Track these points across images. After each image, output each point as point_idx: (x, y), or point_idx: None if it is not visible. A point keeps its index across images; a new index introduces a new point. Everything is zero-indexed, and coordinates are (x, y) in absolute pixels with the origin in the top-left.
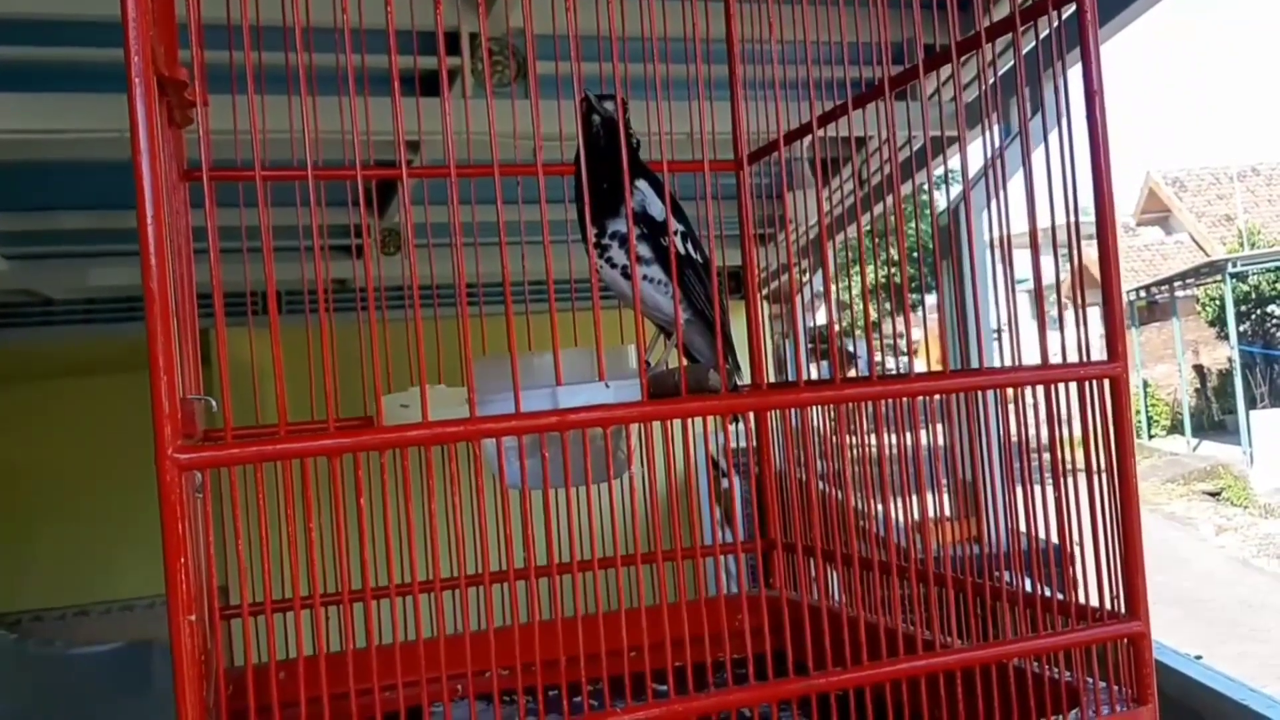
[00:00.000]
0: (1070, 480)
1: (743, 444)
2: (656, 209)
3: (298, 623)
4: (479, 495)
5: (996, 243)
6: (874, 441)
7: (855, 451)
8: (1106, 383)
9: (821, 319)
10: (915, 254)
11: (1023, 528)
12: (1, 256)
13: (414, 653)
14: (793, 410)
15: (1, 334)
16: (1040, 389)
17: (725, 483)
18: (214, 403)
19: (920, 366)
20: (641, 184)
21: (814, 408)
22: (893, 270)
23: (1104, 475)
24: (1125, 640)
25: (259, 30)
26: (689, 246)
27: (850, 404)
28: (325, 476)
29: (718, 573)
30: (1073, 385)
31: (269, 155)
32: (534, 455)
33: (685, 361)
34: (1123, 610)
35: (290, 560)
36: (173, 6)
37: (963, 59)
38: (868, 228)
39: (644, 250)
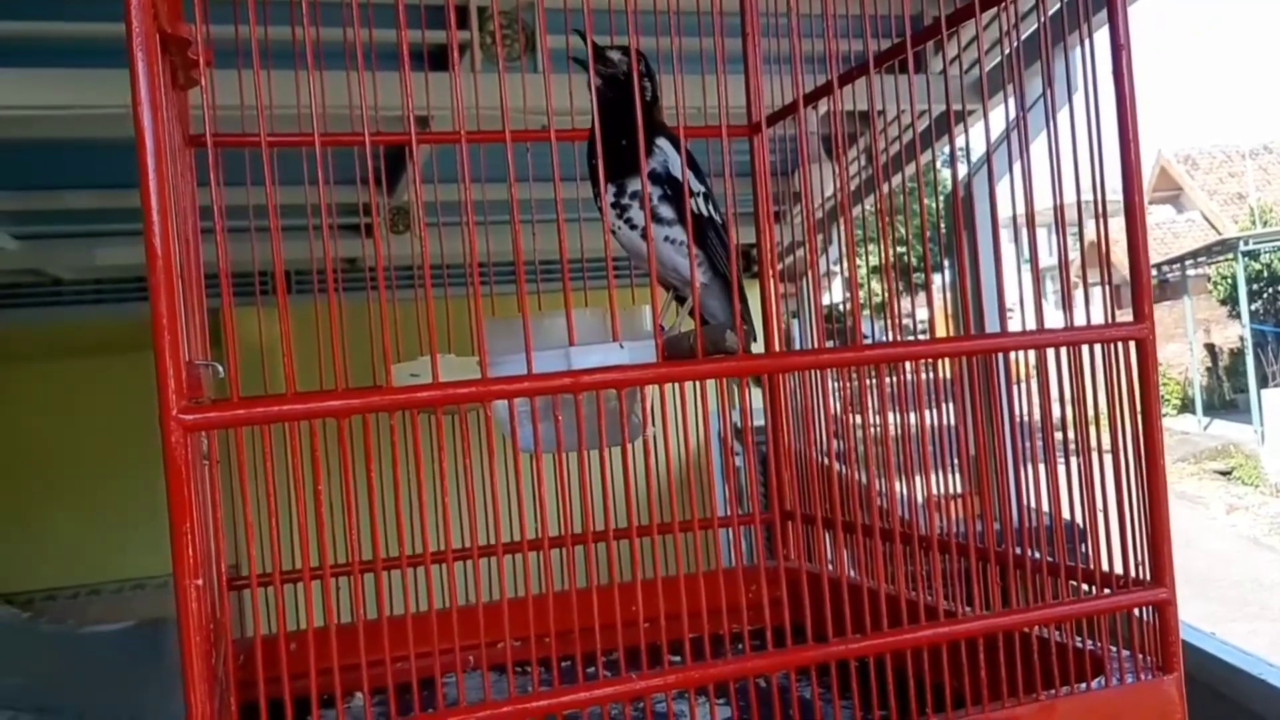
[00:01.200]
0: (1094, 447)
1: (757, 422)
2: (679, 169)
3: (307, 593)
4: (490, 460)
5: (1016, 215)
6: (890, 418)
7: (871, 428)
8: (1133, 345)
9: (832, 298)
10: (929, 230)
11: (1044, 498)
12: (9, 236)
13: (426, 623)
14: (797, 385)
15: (11, 314)
16: (1065, 356)
17: (739, 460)
18: (220, 368)
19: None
20: (662, 142)
21: (830, 386)
22: (903, 250)
23: (1129, 441)
24: (1150, 607)
25: (265, 5)
26: (709, 208)
27: (857, 375)
28: (334, 442)
29: (734, 544)
30: (1098, 351)
31: (277, 130)
32: (547, 418)
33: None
34: (1147, 577)
35: (299, 530)
36: None
37: (985, 21)
38: (874, 208)
39: (667, 211)
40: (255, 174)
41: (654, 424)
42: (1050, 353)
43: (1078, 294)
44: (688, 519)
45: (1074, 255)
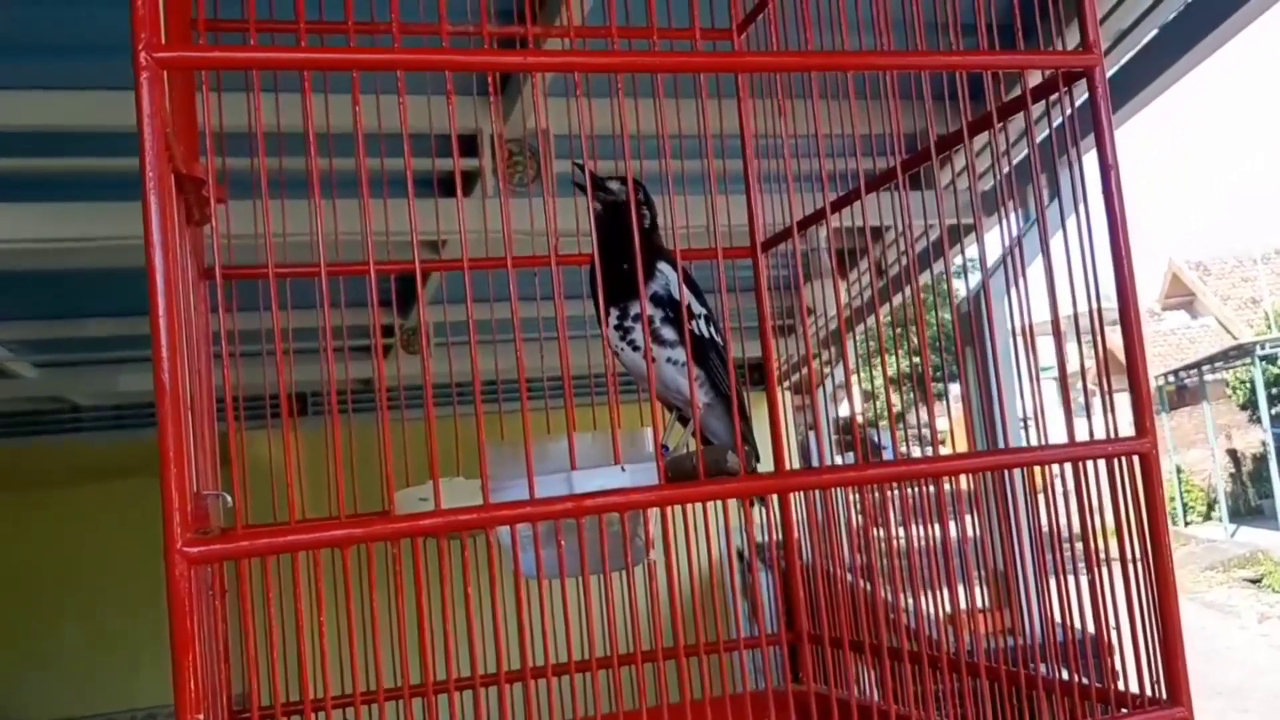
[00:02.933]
0: (1104, 563)
1: (768, 538)
2: (678, 291)
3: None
4: (494, 587)
5: (1019, 330)
6: (902, 533)
7: (883, 543)
8: (1136, 460)
9: (845, 411)
10: (937, 344)
11: (1057, 616)
12: (30, 364)
13: None
14: (818, 499)
15: (31, 440)
16: (1069, 470)
17: (749, 577)
18: (229, 498)
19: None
20: (664, 266)
21: (841, 500)
22: (915, 360)
23: (1139, 555)
24: None
25: (280, 137)
26: (711, 329)
27: (876, 490)
28: (340, 569)
29: (742, 667)
30: (1102, 466)
31: (291, 258)
32: (550, 544)
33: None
34: (1164, 696)
35: (300, 660)
36: (193, 107)
37: (977, 148)
38: (887, 318)
39: (669, 333)
40: (270, 299)
41: (656, 548)
42: (1056, 468)
43: (1093, 404)
44: (695, 644)
45: (1089, 363)
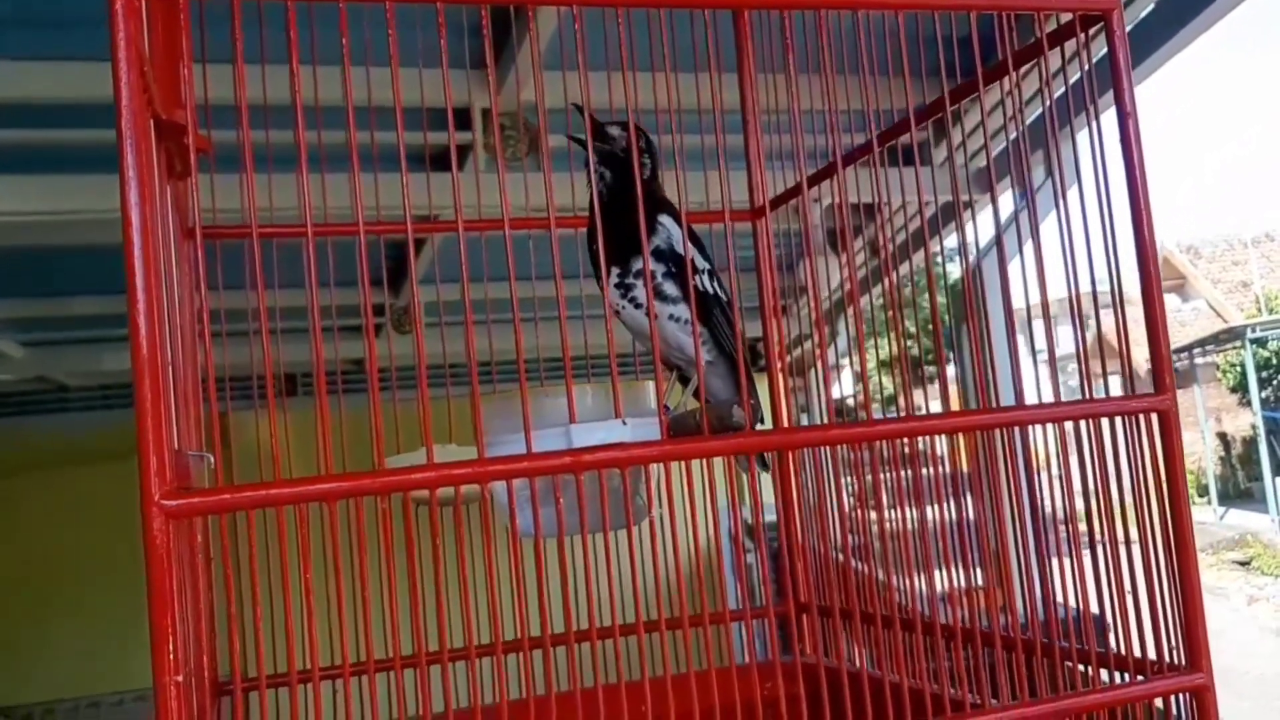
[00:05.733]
0: (1120, 527)
1: (769, 518)
2: (682, 246)
3: (292, 697)
4: (489, 551)
5: (1030, 285)
6: (907, 512)
7: (886, 523)
8: (1155, 417)
9: (841, 391)
10: (933, 325)
11: (1069, 587)
12: (16, 343)
13: None
14: (823, 468)
15: (19, 421)
16: (1086, 432)
17: (750, 556)
18: (211, 458)
19: (940, 444)
20: (665, 219)
21: (846, 459)
22: (910, 342)
23: (1156, 519)
24: (1188, 694)
25: (266, 111)
26: (715, 285)
27: (882, 464)
28: (328, 537)
29: (747, 640)
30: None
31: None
32: (547, 502)
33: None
34: (1183, 662)
35: (286, 629)
36: (178, 48)
37: (989, 107)
38: (881, 301)
39: (672, 289)
40: (265, 278)
41: (660, 505)
42: (1070, 433)
43: (1096, 380)
44: (698, 613)
45: (1091, 337)
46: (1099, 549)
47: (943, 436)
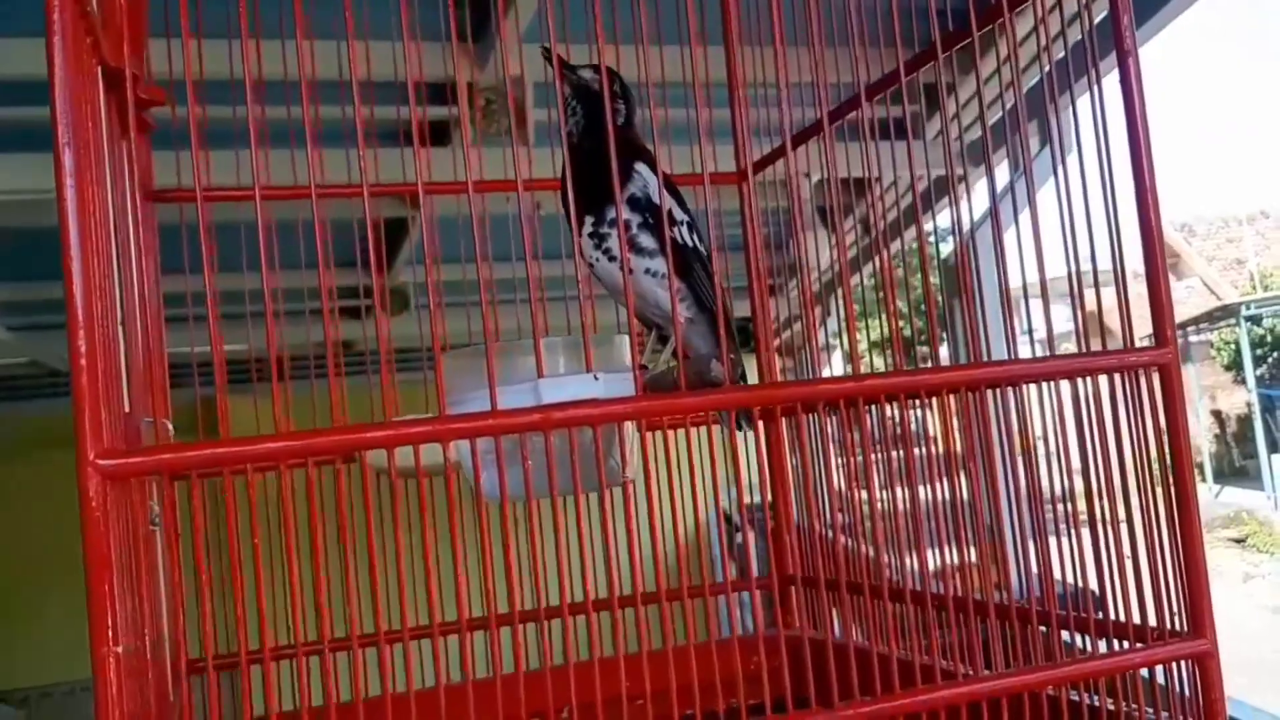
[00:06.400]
0: (1118, 494)
1: (755, 499)
2: (659, 195)
3: (245, 679)
4: (452, 517)
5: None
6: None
7: (877, 503)
8: (1155, 373)
9: (831, 372)
10: (925, 304)
11: (1064, 559)
12: (4, 327)
13: (380, 710)
14: (812, 440)
15: (13, 406)
16: (1083, 390)
17: (739, 536)
18: (170, 425)
19: (932, 424)
20: (640, 167)
21: (832, 452)
22: (902, 323)
23: (1158, 479)
24: (1190, 661)
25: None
26: (694, 238)
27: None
28: (277, 496)
29: (730, 612)
30: (1118, 382)
31: (272, 215)
32: (515, 462)
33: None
34: (1185, 629)
35: (235, 604)
36: (143, 13)
37: (986, 75)
38: (873, 280)
39: (648, 240)
40: (253, 260)
41: (634, 467)
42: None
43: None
44: (676, 589)
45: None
46: (1097, 514)
47: (933, 412)
